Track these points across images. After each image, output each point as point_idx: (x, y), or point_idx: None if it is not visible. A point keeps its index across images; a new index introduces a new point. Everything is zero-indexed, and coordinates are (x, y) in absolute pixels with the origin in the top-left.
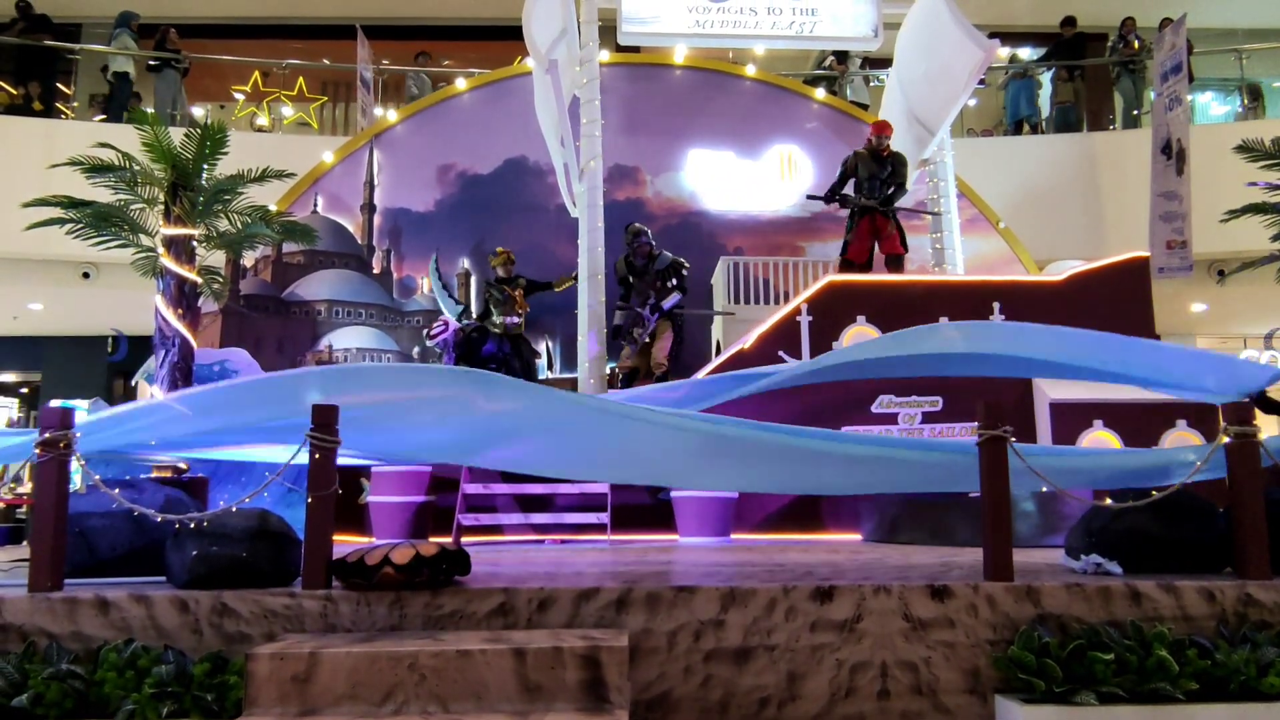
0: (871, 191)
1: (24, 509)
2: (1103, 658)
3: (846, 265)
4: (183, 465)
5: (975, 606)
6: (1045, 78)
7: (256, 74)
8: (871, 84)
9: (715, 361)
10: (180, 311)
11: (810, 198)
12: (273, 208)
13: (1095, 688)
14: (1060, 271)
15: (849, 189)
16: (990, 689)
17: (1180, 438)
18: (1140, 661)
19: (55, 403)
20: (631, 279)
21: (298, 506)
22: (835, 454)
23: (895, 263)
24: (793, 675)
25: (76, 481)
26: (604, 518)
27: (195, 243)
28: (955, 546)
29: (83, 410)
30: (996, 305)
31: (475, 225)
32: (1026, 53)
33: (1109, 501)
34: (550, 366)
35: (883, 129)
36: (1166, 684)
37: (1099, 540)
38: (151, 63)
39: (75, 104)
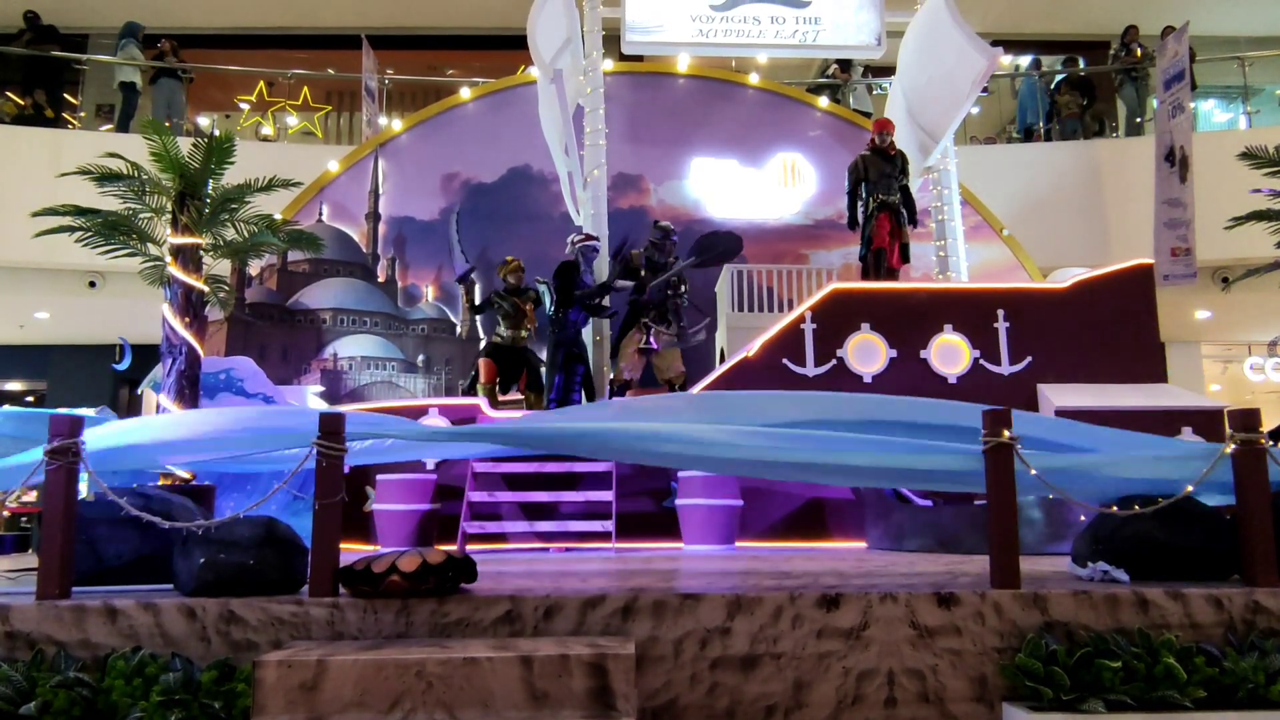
0: (888, 190)
1: (27, 517)
2: (1110, 665)
3: (876, 260)
4: (188, 474)
5: (982, 614)
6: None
7: (262, 84)
8: (874, 92)
9: (719, 370)
10: (187, 320)
11: (849, 223)
12: (278, 217)
13: (1103, 696)
14: (1065, 279)
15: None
16: (997, 697)
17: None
18: (1148, 669)
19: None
20: (643, 273)
21: (304, 514)
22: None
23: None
24: (799, 683)
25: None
26: (609, 525)
27: (202, 251)
28: (962, 554)
29: (92, 418)
30: (1001, 313)
31: (479, 234)
32: (1027, 61)
33: (1116, 509)
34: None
35: (885, 126)
36: (1174, 692)
37: (1106, 547)
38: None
39: (82, 114)
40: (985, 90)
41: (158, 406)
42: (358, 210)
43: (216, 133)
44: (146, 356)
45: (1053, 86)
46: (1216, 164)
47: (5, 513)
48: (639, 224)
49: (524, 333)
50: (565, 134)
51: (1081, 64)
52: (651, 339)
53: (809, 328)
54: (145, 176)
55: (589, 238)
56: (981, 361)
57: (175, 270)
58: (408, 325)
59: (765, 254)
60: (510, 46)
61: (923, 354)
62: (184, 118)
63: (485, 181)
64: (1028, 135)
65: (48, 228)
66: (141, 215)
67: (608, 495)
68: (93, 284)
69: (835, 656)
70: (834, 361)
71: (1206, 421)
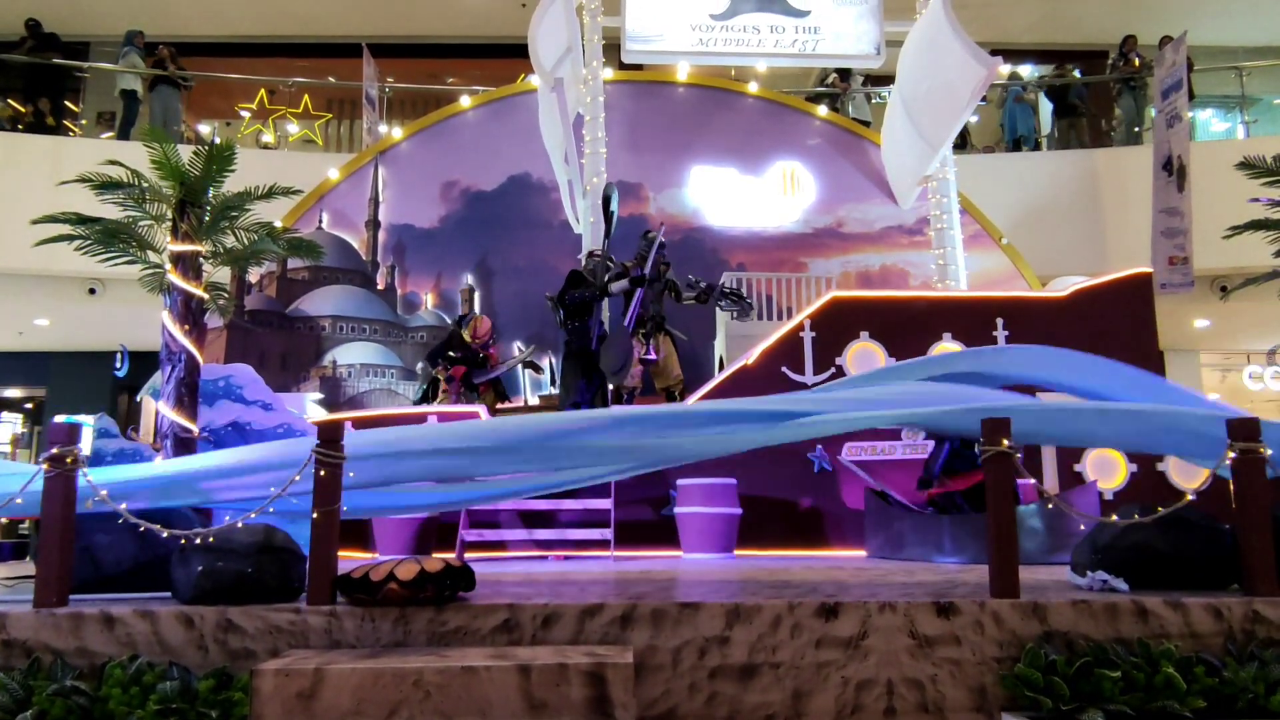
0: None
1: (26, 524)
2: (1110, 675)
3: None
4: None
5: (981, 624)
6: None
7: (263, 91)
8: (873, 101)
9: (719, 377)
10: (187, 327)
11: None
12: (278, 224)
13: (1102, 705)
14: (1064, 287)
15: None
16: (997, 707)
17: None
18: (1147, 679)
19: (60, 418)
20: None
21: (302, 522)
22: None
23: None
24: (798, 693)
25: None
26: (607, 534)
27: (202, 259)
28: (962, 563)
29: (89, 426)
30: (1000, 321)
31: (479, 241)
32: (1027, 70)
33: (1115, 518)
34: (553, 383)
35: None
36: (1174, 702)
37: (1105, 556)
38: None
39: (83, 121)
40: (984, 99)
41: (156, 413)
42: (358, 218)
43: (217, 140)
44: (146, 363)
45: (1063, 99)
46: (1214, 173)
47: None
48: (639, 232)
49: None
50: (565, 142)
51: (1077, 73)
52: (651, 350)
53: (808, 336)
54: (146, 184)
55: (600, 255)
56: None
57: (175, 277)
58: (407, 332)
59: (764, 262)
60: (510, 55)
61: None
62: (180, 125)
63: (485, 189)
64: (1016, 147)
65: (48, 235)
66: (142, 223)
67: (606, 504)
68: (93, 291)
69: (834, 666)
70: (833, 370)
71: None
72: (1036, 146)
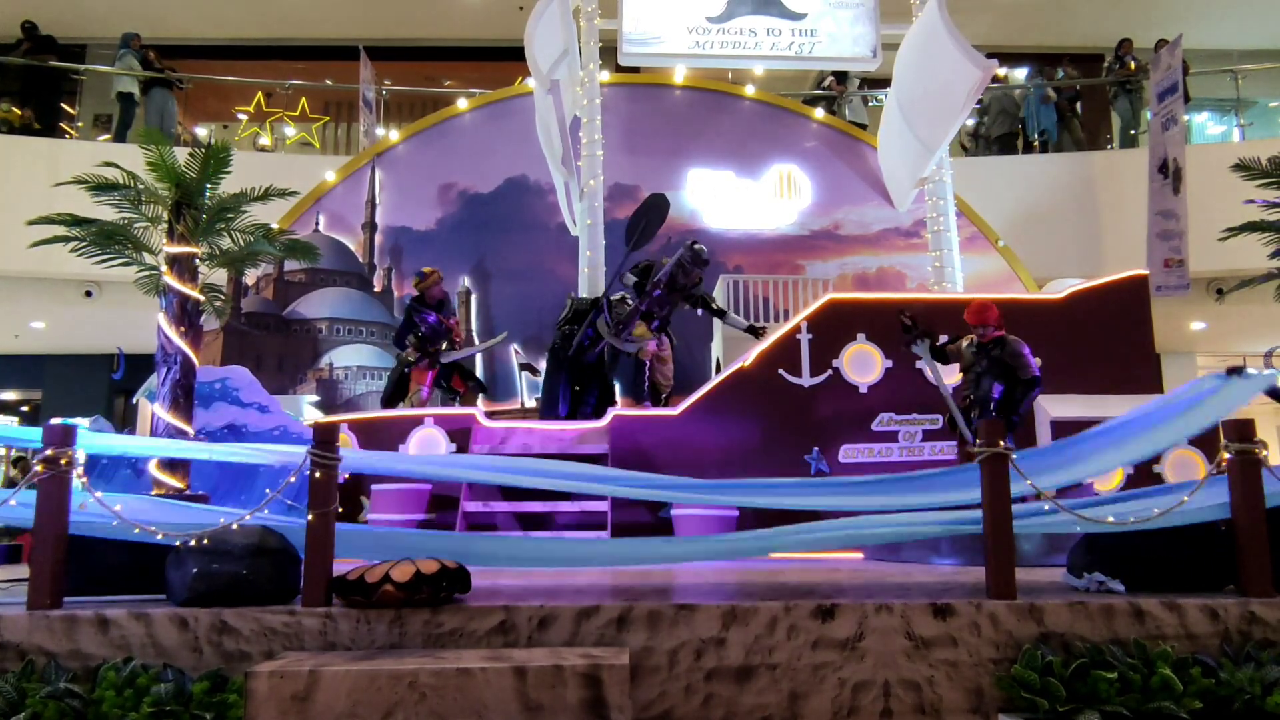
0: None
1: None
2: (1106, 676)
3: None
4: (182, 484)
5: (978, 625)
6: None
7: (260, 94)
8: (870, 104)
9: (715, 379)
10: (183, 329)
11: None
12: (275, 226)
13: (1099, 707)
14: (1060, 289)
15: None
16: (993, 708)
17: (1182, 455)
18: (1144, 680)
19: (56, 421)
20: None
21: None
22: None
23: None
24: (794, 694)
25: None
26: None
27: (198, 261)
28: (959, 564)
29: (84, 428)
30: None
31: (476, 244)
32: (1023, 74)
33: (1111, 520)
34: None
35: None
36: (1170, 703)
37: (1101, 558)
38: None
39: (80, 124)
40: (980, 102)
41: (153, 416)
42: (354, 220)
43: (213, 143)
44: (142, 366)
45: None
46: (1209, 176)
47: None
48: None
49: (443, 346)
50: (562, 145)
51: (1060, 74)
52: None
53: (805, 338)
54: (141, 186)
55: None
56: None
57: (171, 279)
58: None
59: (761, 264)
60: (507, 58)
61: (918, 364)
62: (176, 127)
63: (482, 192)
64: (1027, 146)
65: (44, 237)
66: (137, 224)
67: (603, 506)
68: (89, 293)
69: (831, 668)
70: (830, 372)
71: (1202, 433)
72: (1054, 146)
